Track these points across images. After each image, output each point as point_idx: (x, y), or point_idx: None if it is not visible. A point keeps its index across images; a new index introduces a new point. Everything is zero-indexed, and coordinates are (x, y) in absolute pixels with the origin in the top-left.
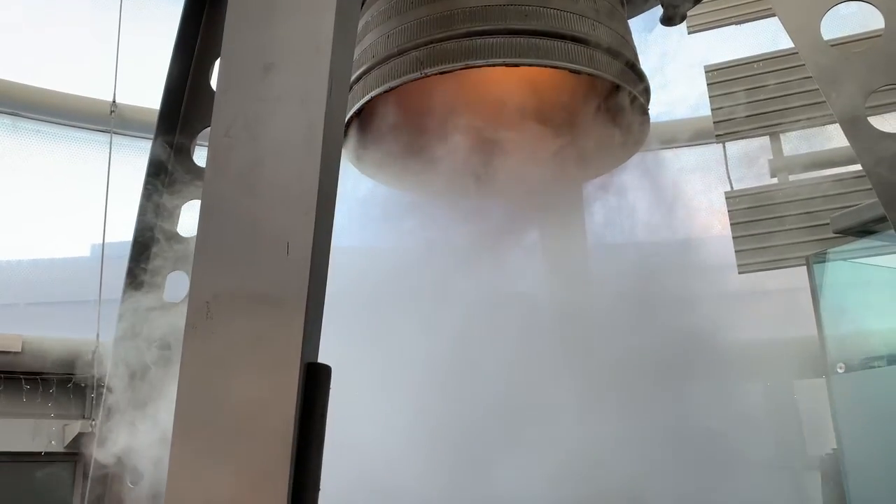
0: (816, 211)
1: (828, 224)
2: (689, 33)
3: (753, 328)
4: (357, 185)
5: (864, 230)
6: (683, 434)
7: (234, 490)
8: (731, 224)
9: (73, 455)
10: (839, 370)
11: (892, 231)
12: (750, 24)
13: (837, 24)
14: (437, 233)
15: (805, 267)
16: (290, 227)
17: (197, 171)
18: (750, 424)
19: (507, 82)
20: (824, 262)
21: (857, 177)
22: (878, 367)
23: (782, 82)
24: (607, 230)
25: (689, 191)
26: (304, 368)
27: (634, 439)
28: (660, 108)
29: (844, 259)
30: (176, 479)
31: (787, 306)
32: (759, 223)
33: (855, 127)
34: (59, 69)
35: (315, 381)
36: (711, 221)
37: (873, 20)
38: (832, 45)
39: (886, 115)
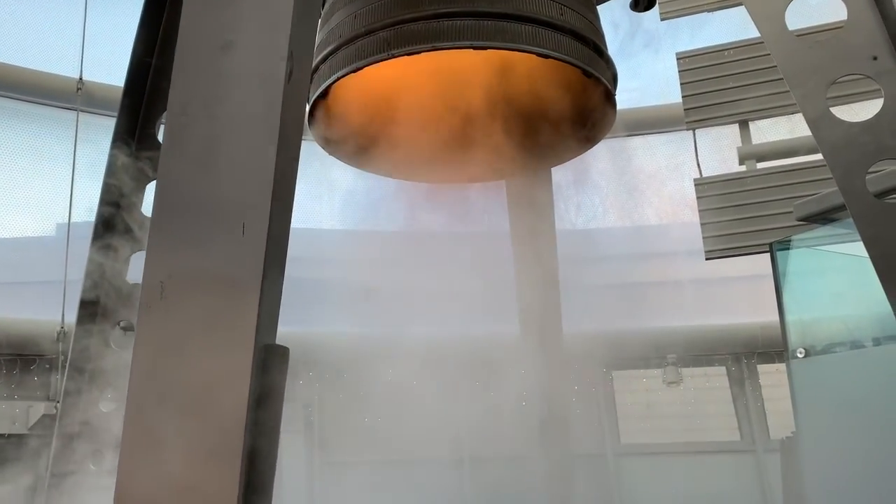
0: (782, 199)
1: (792, 212)
2: (661, 20)
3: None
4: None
5: (825, 218)
6: None
7: (186, 469)
8: (700, 211)
9: (36, 437)
10: (799, 355)
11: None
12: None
13: (810, 16)
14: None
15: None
16: (246, 206)
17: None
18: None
19: (475, 66)
20: (788, 249)
21: (822, 165)
22: (837, 352)
23: (753, 70)
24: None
25: (659, 177)
26: (261, 349)
27: None
28: None
29: (807, 246)
30: (128, 459)
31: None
32: (726, 210)
33: (816, 116)
34: (24, 44)
35: (271, 361)
36: (683, 208)
37: (843, 12)
38: (798, 35)
39: (854, 105)
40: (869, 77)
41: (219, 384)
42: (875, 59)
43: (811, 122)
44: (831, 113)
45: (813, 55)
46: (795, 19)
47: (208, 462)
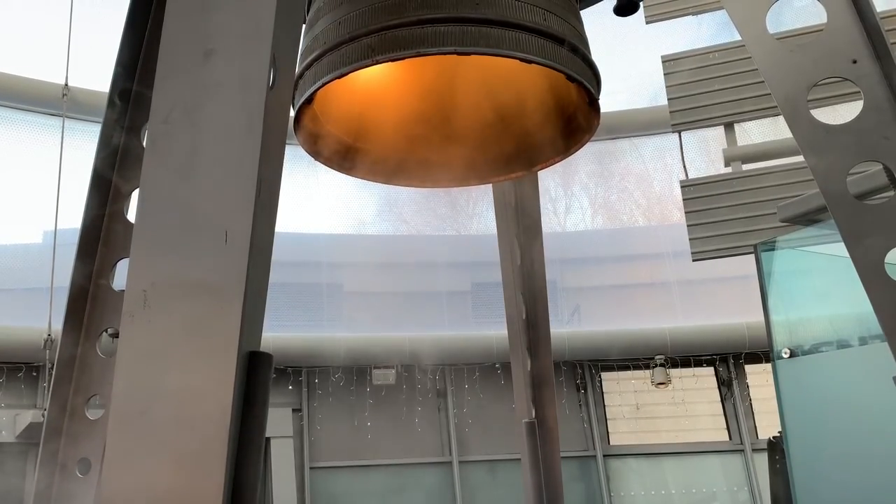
0: (768, 200)
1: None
2: (646, 23)
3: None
4: None
5: (809, 219)
6: None
7: (170, 479)
8: (686, 213)
9: (24, 445)
10: (784, 355)
11: None
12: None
13: (792, 19)
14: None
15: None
16: (229, 214)
17: None
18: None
19: (459, 71)
20: (772, 250)
21: (806, 167)
22: (822, 352)
23: (738, 73)
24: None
25: (646, 178)
26: (245, 357)
27: None
28: None
29: (791, 247)
30: (111, 469)
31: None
32: (712, 212)
33: (796, 118)
34: (9, 50)
35: (256, 369)
36: (671, 210)
37: (823, 16)
38: (778, 39)
39: (838, 107)
40: (849, 80)
41: (203, 392)
42: (855, 62)
43: (792, 125)
44: (812, 116)
45: (793, 59)
46: (776, 24)
47: (192, 470)
